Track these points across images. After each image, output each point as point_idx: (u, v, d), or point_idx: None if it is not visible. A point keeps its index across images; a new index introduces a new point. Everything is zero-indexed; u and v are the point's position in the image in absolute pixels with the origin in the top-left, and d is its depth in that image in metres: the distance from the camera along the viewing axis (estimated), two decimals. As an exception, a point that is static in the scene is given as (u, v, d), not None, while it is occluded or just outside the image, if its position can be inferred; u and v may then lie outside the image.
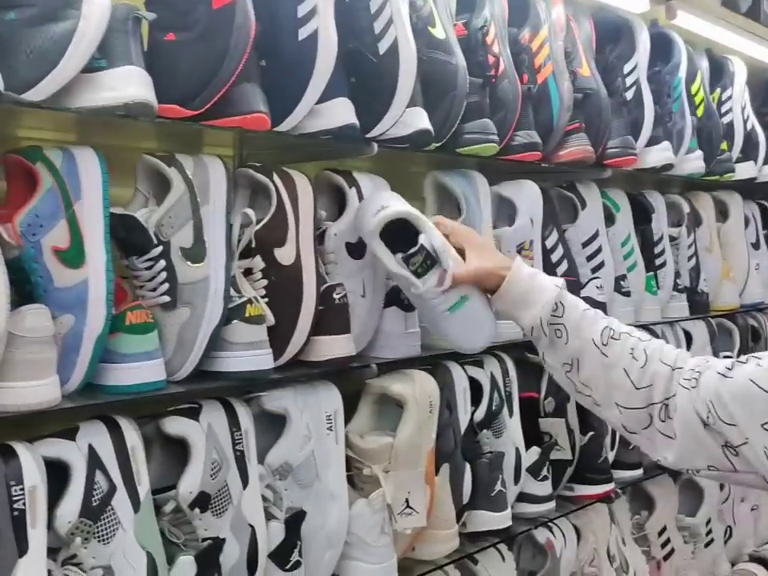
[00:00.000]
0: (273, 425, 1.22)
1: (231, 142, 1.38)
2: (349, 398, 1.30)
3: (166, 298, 1.07)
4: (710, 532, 2.07)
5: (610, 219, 1.83)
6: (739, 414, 0.91)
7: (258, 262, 1.16)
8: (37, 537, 0.94)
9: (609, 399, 1.06)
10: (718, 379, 0.96)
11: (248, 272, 1.16)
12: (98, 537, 0.99)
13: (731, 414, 0.92)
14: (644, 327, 1.88)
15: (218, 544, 1.08)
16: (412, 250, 1.21)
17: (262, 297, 1.16)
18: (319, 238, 1.23)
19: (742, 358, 0.98)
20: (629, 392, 1.03)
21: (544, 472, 1.58)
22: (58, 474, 1.00)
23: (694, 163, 1.99)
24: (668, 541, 1.96)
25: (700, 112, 2.03)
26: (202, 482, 1.08)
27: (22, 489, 0.93)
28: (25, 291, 0.96)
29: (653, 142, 1.85)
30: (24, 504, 0.93)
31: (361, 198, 1.27)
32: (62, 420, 1.05)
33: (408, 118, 1.28)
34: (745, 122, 2.22)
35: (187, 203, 1.08)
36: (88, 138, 1.05)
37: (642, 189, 1.99)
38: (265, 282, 1.17)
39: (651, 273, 1.90)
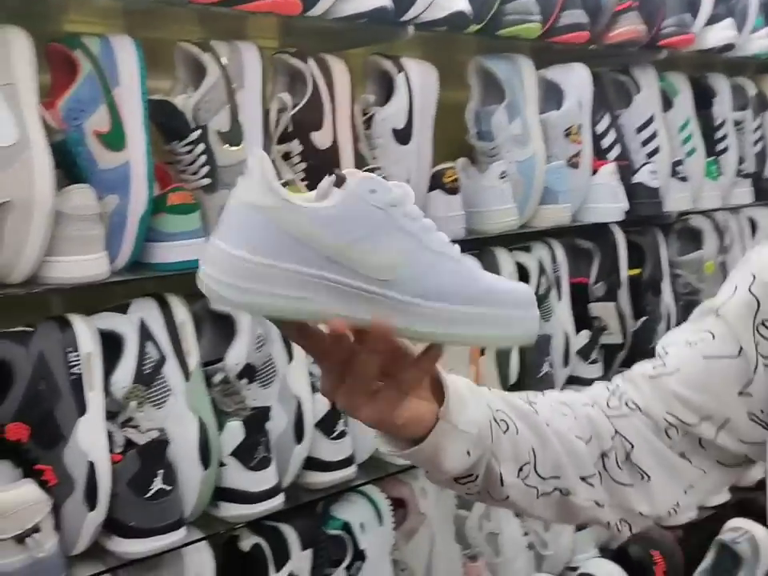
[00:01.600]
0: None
1: (272, 32, 1.40)
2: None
3: (207, 181, 1.12)
4: None
5: (667, 103, 1.79)
6: (709, 402, 0.74)
7: (295, 146, 1.19)
8: (94, 399, 1.02)
9: (574, 477, 0.75)
10: (659, 383, 0.76)
11: (287, 156, 1.20)
12: (152, 401, 1.07)
13: (700, 408, 0.75)
14: (705, 214, 1.86)
15: (264, 411, 1.15)
16: None
17: (301, 180, 1.20)
18: (366, 122, 1.25)
19: (658, 349, 0.79)
20: (583, 453, 0.75)
21: (594, 355, 1.60)
22: (113, 346, 1.07)
23: (759, 42, 1.91)
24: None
25: (767, -12, 1.94)
26: (248, 354, 1.15)
27: (78, 355, 1.01)
28: (72, 173, 1.02)
29: (714, 20, 1.79)
30: (80, 369, 1.01)
31: (409, 83, 1.28)
32: (117, 296, 1.13)
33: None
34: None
35: (222, 88, 1.12)
36: (132, 31, 1.09)
37: (708, 71, 1.92)
38: (303, 165, 1.20)
39: (712, 158, 1.86)
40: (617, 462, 0.75)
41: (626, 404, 0.77)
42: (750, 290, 0.73)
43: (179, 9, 1.13)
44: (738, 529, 1.76)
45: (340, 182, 0.62)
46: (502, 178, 1.43)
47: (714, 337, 0.75)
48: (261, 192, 0.59)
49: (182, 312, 1.13)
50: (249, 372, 1.15)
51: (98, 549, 1.06)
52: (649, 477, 0.75)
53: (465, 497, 0.77)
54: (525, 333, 0.65)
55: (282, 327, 0.65)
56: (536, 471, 0.73)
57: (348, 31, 1.30)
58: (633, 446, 0.75)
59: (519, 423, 0.73)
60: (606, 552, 1.64)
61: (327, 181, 0.64)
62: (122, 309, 1.10)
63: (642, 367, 0.78)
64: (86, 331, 1.02)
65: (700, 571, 1.75)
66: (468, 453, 0.68)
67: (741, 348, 0.72)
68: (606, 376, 1.63)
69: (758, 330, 0.72)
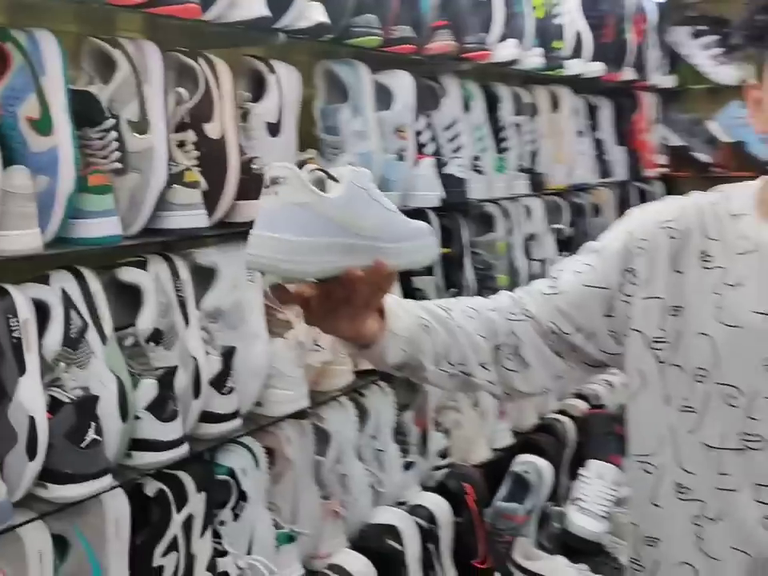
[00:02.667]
0: (204, 277, 1.43)
1: (140, 27, 1.52)
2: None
3: (118, 165, 1.25)
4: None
5: (466, 107, 2.10)
6: (583, 319, 1.05)
7: (190, 136, 1.35)
8: (32, 360, 1.13)
9: (475, 364, 1.07)
10: (549, 299, 1.06)
11: (181, 144, 1.35)
12: (77, 363, 1.19)
13: (575, 322, 1.04)
14: (494, 202, 2.20)
15: (173, 370, 1.29)
16: None
17: (195, 166, 1.35)
18: (243, 116, 1.43)
19: (554, 273, 1.09)
20: (483, 347, 1.06)
21: (417, 321, 1.88)
22: (40, 314, 1.18)
23: (534, 59, 2.28)
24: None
25: (539, 13, 2.32)
26: (156, 320, 1.29)
27: (17, 321, 1.11)
28: (6, 157, 1.11)
29: (502, 39, 2.13)
30: (20, 333, 1.11)
31: (279, 83, 1.46)
32: (34, 269, 1.22)
33: (309, 11, 1.48)
34: (575, 23, 2.53)
35: (132, 82, 1.25)
36: (16, 22, 1.18)
37: (490, 81, 2.27)
38: (197, 153, 1.35)
39: (499, 155, 2.21)
40: (507, 354, 1.07)
41: (523, 311, 1.07)
42: (625, 244, 1.03)
43: (55, 3, 1.23)
44: (526, 462, 2.13)
45: (332, 178, 0.87)
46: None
47: (594, 270, 1.05)
48: (301, 192, 0.85)
49: (94, 283, 1.25)
50: (156, 336, 1.29)
51: (30, 498, 1.16)
52: (530, 365, 1.07)
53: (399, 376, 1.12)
54: (433, 254, 1.02)
55: (319, 283, 0.92)
56: (447, 361, 1.05)
57: (222, 34, 1.46)
58: (522, 343, 1.06)
59: (437, 326, 1.03)
60: (427, 488, 1.93)
61: (319, 176, 0.88)
62: (43, 280, 1.20)
63: (540, 284, 1.09)
64: (22, 299, 1.13)
65: (499, 496, 2.10)
66: (403, 350, 1.01)
67: (610, 284, 1.03)
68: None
69: (623, 275, 1.02)
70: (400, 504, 1.84)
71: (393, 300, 1.02)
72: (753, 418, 0.98)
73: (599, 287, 1.04)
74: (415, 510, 1.81)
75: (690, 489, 1.02)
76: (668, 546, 1.04)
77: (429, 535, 1.81)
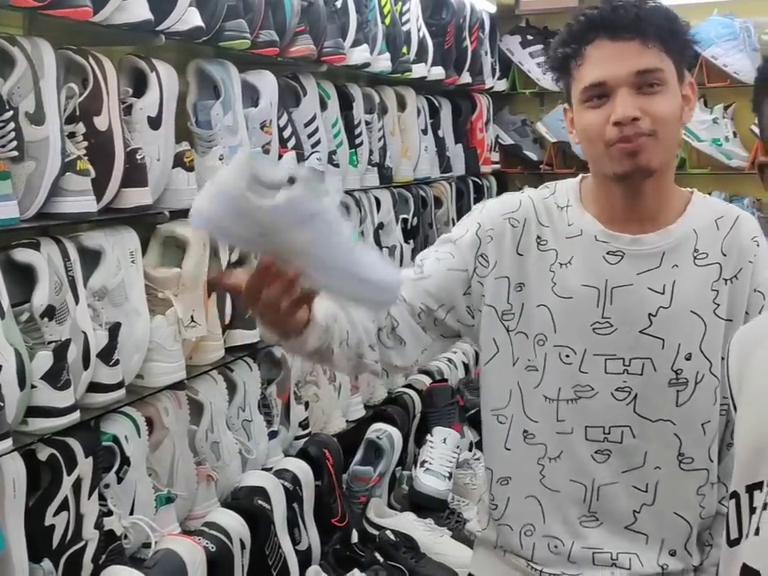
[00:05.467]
0: (91, 259, 1.54)
1: (20, 23, 1.61)
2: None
3: (15, 153, 1.35)
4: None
5: (323, 105, 2.28)
6: (446, 296, 1.26)
7: (80, 128, 1.46)
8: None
9: (366, 346, 1.24)
10: (417, 283, 1.26)
11: (72, 135, 1.46)
12: (-20, 336, 1.29)
13: (440, 299, 1.26)
14: (348, 193, 2.39)
15: (66, 343, 1.41)
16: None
17: (85, 155, 1.46)
18: (126, 110, 1.55)
19: (417, 261, 1.30)
20: (371, 331, 1.25)
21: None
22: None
23: (383, 63, 2.49)
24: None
25: (388, 21, 2.53)
26: (50, 297, 1.40)
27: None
28: None
29: (355, 44, 2.32)
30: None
31: (160, 80, 1.59)
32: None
33: (187, 16, 1.62)
34: (419, 30, 2.76)
35: (30, 76, 1.35)
36: None
37: (344, 82, 2.46)
38: (86, 143, 1.47)
39: (353, 150, 2.40)
40: (386, 334, 1.25)
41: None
42: (476, 233, 1.26)
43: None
44: (380, 429, 2.35)
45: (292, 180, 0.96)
46: (221, 159, 1.81)
47: (453, 257, 1.26)
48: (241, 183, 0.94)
49: (-8, 262, 1.34)
50: (50, 312, 1.40)
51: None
52: (404, 342, 1.26)
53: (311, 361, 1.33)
54: (373, 307, 1.10)
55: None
56: (348, 344, 1.21)
57: (101, 33, 1.57)
58: (398, 323, 1.25)
59: (341, 313, 1.20)
60: (290, 455, 2.10)
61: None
62: (-55, 259, 1.29)
63: (408, 272, 1.28)
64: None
65: (354, 461, 2.31)
66: (320, 338, 1.15)
67: (467, 267, 1.25)
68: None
69: (477, 260, 1.25)
70: (266, 469, 2.01)
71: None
72: (583, 372, 1.23)
73: (459, 270, 1.26)
74: (281, 474, 1.98)
75: (535, 434, 1.26)
76: (517, 483, 1.28)
77: (293, 496, 1.98)
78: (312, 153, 2.16)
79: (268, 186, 0.95)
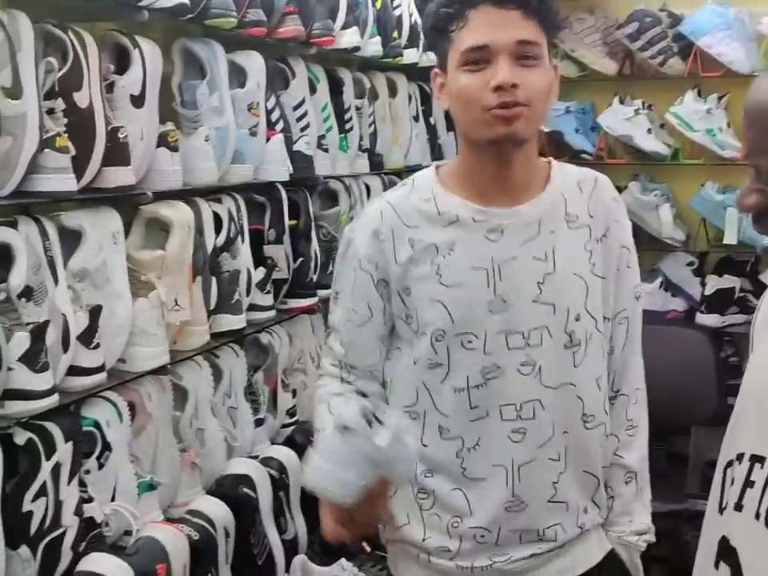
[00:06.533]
0: (71, 240, 1.50)
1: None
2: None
3: (-9, 128, 1.31)
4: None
5: (312, 89, 2.25)
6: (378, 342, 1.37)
7: (59, 104, 1.42)
8: None
9: None
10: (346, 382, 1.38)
11: (51, 111, 1.42)
12: (-45, 315, 1.25)
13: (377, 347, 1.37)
14: (337, 179, 2.36)
15: (44, 324, 1.37)
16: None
17: (64, 132, 1.42)
18: (108, 87, 1.51)
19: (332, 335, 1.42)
20: None
21: (268, 287, 2.01)
22: None
23: (374, 47, 2.46)
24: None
25: (379, 4, 2.49)
26: (27, 277, 1.36)
27: None
28: None
29: (345, 27, 2.28)
30: None
31: (143, 58, 1.55)
32: None
33: (171, -9, 1.58)
34: (410, 15, 2.73)
35: (6, 50, 1.31)
36: None
37: (337, 66, 2.42)
38: (66, 120, 1.43)
39: (343, 135, 2.37)
40: None
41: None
42: (363, 268, 1.32)
43: None
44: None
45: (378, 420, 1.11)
46: (206, 141, 1.77)
47: (362, 311, 1.34)
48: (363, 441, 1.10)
49: (-32, 240, 1.31)
50: (27, 292, 1.37)
51: None
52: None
53: None
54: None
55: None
56: None
57: (81, 7, 1.54)
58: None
59: None
60: (276, 443, 2.07)
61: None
62: None
63: (333, 373, 1.39)
64: None
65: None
66: None
67: (375, 305, 1.33)
68: (275, 304, 2.05)
69: (379, 287, 1.31)
70: (252, 457, 1.97)
71: None
72: (488, 353, 1.26)
73: (367, 319, 1.33)
74: (267, 462, 1.94)
75: (449, 429, 1.28)
76: (439, 478, 1.30)
77: (280, 484, 1.95)
78: (300, 137, 2.12)
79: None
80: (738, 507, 0.89)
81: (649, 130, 3.21)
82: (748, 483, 0.89)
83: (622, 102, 3.27)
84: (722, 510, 0.92)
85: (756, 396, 0.92)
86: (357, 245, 1.33)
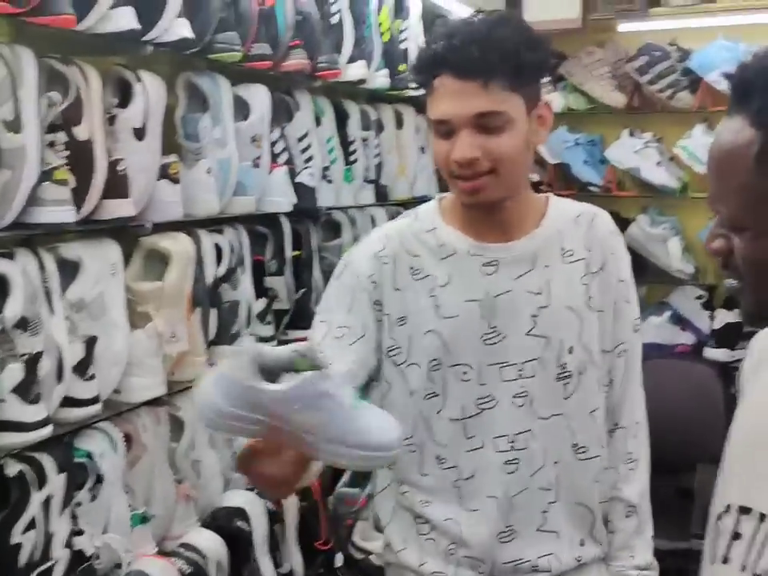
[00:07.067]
0: (70, 270, 1.51)
1: (5, 30, 1.58)
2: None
3: (-9, 161, 1.32)
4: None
5: (317, 121, 2.26)
6: (362, 365, 1.33)
7: (60, 137, 1.43)
8: None
9: None
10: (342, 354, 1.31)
11: (52, 144, 1.43)
12: (-52, 347, 1.25)
13: (359, 369, 1.32)
14: (341, 210, 2.36)
15: (38, 355, 1.37)
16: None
17: (64, 165, 1.44)
18: (110, 120, 1.52)
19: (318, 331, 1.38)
20: None
21: (268, 318, 2.01)
22: None
23: (381, 79, 2.47)
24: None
25: (386, 37, 2.51)
26: (23, 309, 1.37)
27: None
28: None
29: (352, 59, 2.30)
30: None
31: (146, 91, 1.57)
32: None
33: (176, 26, 1.60)
34: (418, 47, 2.74)
35: (8, 85, 1.33)
36: None
37: (343, 98, 2.43)
38: (66, 152, 1.44)
39: (347, 166, 2.38)
40: None
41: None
42: (362, 286, 1.31)
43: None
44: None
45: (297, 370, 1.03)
46: (208, 173, 1.78)
47: (353, 330, 1.31)
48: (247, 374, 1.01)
49: (-35, 272, 1.31)
50: (23, 323, 1.37)
51: None
52: None
53: None
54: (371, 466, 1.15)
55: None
56: None
57: (88, 43, 1.55)
58: None
59: None
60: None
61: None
62: None
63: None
64: None
65: (342, 482, 2.27)
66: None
67: (364, 332, 1.31)
68: (276, 336, 2.05)
69: (374, 309, 1.31)
70: (249, 489, 1.96)
71: None
72: (482, 384, 1.27)
73: (362, 339, 1.31)
74: (263, 494, 1.93)
75: (446, 459, 1.29)
76: (436, 507, 1.31)
77: (275, 518, 1.94)
78: (304, 168, 2.13)
79: (270, 371, 1.02)
80: (725, 560, 0.88)
81: (658, 163, 3.22)
82: (735, 536, 0.88)
83: (631, 134, 3.27)
84: (713, 561, 0.91)
85: (742, 446, 0.91)
86: (356, 265, 1.33)
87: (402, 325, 1.30)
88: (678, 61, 3.14)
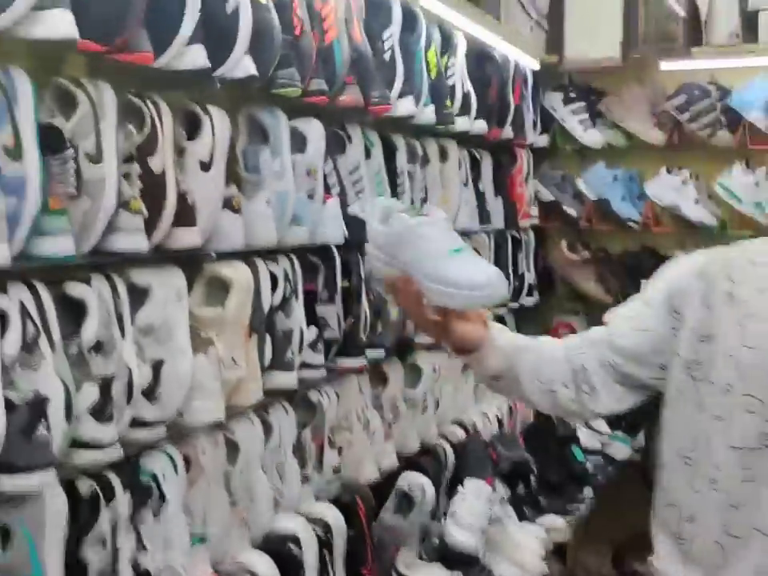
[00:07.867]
0: (138, 295, 1.57)
1: (83, 69, 1.66)
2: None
3: (73, 191, 1.38)
4: (425, 402, 2.67)
5: (367, 154, 2.32)
6: (634, 354, 1.35)
7: (135, 168, 1.49)
8: (-7, 363, 1.24)
9: (560, 383, 1.39)
10: (606, 341, 1.37)
11: (127, 175, 1.49)
12: (31, 367, 1.31)
13: (627, 356, 1.35)
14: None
15: (112, 377, 1.43)
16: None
17: (138, 195, 1.50)
18: (179, 152, 1.59)
19: (606, 319, 1.43)
20: (564, 369, 1.40)
21: (319, 346, 2.06)
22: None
23: (428, 115, 2.53)
24: (396, 407, 2.52)
25: (433, 74, 2.57)
26: (98, 332, 1.42)
27: (-18, 327, 1.23)
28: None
29: (402, 95, 2.36)
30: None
31: (213, 125, 1.63)
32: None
33: (243, 64, 1.66)
34: (463, 84, 2.81)
35: (91, 118, 1.40)
36: None
37: (388, 132, 2.50)
38: (140, 184, 1.50)
39: (393, 198, 2.43)
40: (581, 377, 1.37)
41: (588, 348, 1.39)
42: (668, 292, 1.33)
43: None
44: (411, 480, 2.34)
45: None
46: (267, 204, 1.84)
47: (642, 317, 1.35)
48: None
49: (46, 295, 1.37)
50: (98, 346, 1.43)
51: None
52: (596, 390, 1.37)
53: (492, 389, 1.47)
54: (472, 304, 1.29)
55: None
56: (538, 379, 1.39)
57: (164, 78, 1.62)
58: (588, 372, 1.37)
59: (529, 347, 1.41)
60: (323, 500, 2.10)
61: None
62: (2, 291, 1.32)
63: (597, 330, 1.42)
64: (-14, 308, 1.24)
65: (385, 508, 2.29)
66: (503, 361, 1.36)
67: (658, 326, 1.33)
68: (325, 363, 2.09)
69: (671, 316, 1.32)
70: (299, 514, 2.00)
71: (495, 324, 1.39)
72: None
73: (648, 330, 1.34)
74: (313, 519, 1.97)
75: (719, 482, 1.27)
76: (701, 525, 1.29)
77: (324, 543, 1.97)
78: (356, 200, 2.19)
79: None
80: None
81: (696, 200, 3.25)
82: None
83: (669, 171, 3.31)
84: None
85: None
86: (673, 273, 1.37)
87: (704, 341, 1.29)
88: (717, 99, 3.18)
